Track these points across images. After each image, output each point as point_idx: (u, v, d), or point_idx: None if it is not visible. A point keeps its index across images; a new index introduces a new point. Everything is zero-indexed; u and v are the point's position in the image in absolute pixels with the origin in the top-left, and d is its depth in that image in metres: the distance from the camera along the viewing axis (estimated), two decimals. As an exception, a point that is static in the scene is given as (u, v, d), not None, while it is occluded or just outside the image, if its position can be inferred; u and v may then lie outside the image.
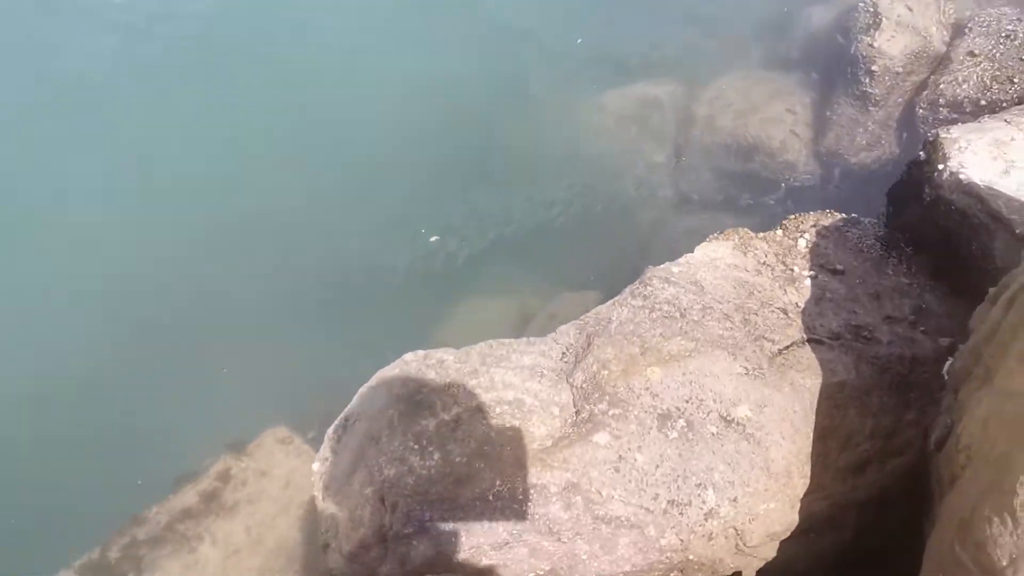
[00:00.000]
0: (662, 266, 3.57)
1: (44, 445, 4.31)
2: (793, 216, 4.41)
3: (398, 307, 5.26)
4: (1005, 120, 4.20)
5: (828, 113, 5.35)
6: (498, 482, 2.63)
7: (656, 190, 5.91)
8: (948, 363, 3.48)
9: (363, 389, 3.19)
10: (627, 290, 3.44)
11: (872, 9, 5.32)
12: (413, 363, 3.05)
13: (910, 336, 3.53)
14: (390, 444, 2.78)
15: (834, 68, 5.48)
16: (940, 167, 4.01)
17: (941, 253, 4.16)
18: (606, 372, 2.88)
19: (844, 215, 4.34)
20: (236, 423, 4.56)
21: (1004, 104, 4.71)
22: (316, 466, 3.19)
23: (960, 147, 4.03)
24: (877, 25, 5.20)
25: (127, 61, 6.05)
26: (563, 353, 3.14)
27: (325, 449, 3.18)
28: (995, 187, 3.84)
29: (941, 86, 4.98)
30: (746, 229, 4.10)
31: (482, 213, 5.63)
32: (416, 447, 2.69)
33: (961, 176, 3.88)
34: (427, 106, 6.02)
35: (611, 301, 3.41)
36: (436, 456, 2.69)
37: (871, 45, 5.10)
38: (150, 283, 5.07)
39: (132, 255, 5.18)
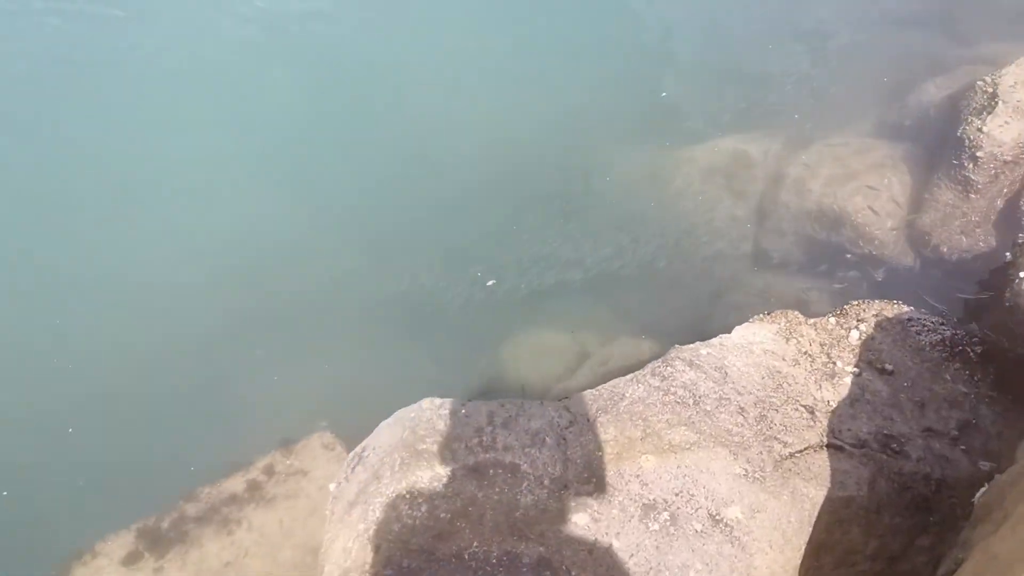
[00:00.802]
0: (691, 345, 3.59)
1: (122, 412, 4.83)
2: (856, 303, 4.29)
3: (459, 333, 5.49)
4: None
5: (926, 194, 5.11)
6: (475, 543, 2.78)
7: (735, 247, 5.84)
8: (981, 491, 3.34)
9: (382, 424, 3.42)
10: (649, 366, 3.49)
11: (991, 90, 5.03)
12: (428, 410, 3.24)
13: (946, 454, 3.40)
14: (388, 487, 2.99)
15: (941, 146, 5.22)
16: (1022, 274, 3.81)
17: (1012, 363, 3.97)
18: (600, 453, 2.96)
19: (912, 308, 4.19)
20: (291, 423, 4.92)
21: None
22: (332, 487, 3.45)
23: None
24: (992, 108, 4.92)
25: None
26: (571, 422, 3.24)
27: (341, 473, 3.43)
28: (1074, 308, 3.61)
29: (1052, 183, 4.66)
30: (796, 313, 4.03)
31: (555, 253, 5.76)
32: (407, 496, 2.88)
33: (1039, 292, 3.67)
34: (514, 150, 6.21)
35: (631, 376, 3.47)
36: (424, 508, 2.87)
37: (980, 129, 4.84)
38: (240, 282, 5.53)
39: (227, 251, 5.65)
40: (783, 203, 5.67)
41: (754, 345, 3.55)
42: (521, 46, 6.97)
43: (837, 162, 5.71)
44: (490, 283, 5.16)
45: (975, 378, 3.91)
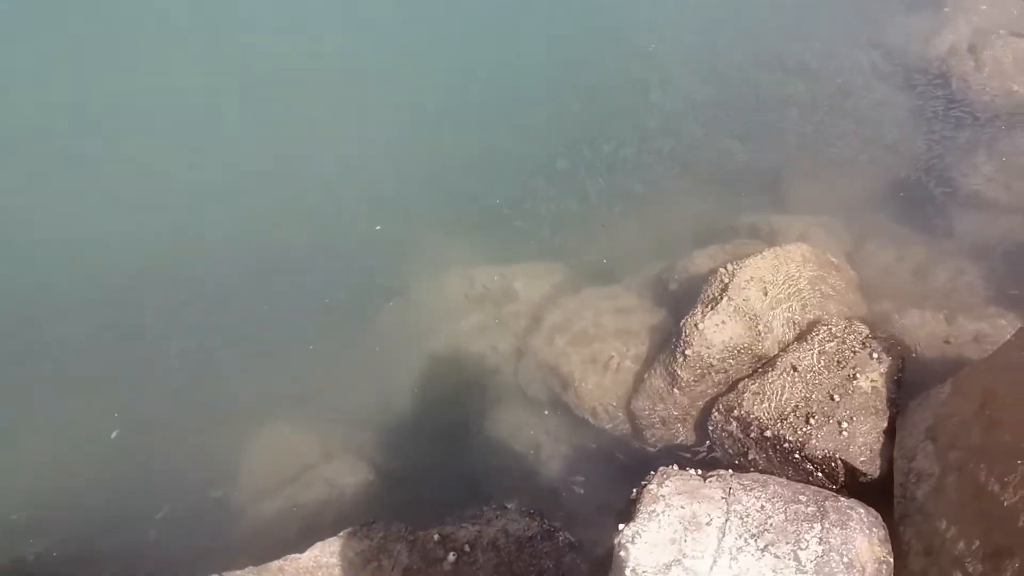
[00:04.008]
0: (243, 571, 3.51)
1: None
2: (493, 507, 4.24)
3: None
4: (727, 490, 3.88)
5: (645, 375, 5.07)
6: None
7: (492, 379, 5.81)
8: None
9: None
10: None
11: (726, 281, 4.96)
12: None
13: None
14: None
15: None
16: (621, 527, 3.77)
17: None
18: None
19: (545, 523, 4.14)
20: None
21: (775, 454, 4.32)
22: None
23: (654, 511, 3.78)
24: (716, 303, 4.86)
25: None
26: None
27: None
28: (642, 589, 3.56)
29: (745, 395, 4.62)
30: (401, 525, 3.95)
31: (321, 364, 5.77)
32: None
33: (622, 553, 3.64)
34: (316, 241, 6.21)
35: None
36: None
37: (696, 325, 4.78)
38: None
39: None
40: (533, 349, 5.64)
41: (321, 570, 3.51)
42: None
43: (594, 317, 5.67)
44: (113, 434, 5.10)
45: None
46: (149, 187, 6.35)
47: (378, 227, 5.90)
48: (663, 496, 3.79)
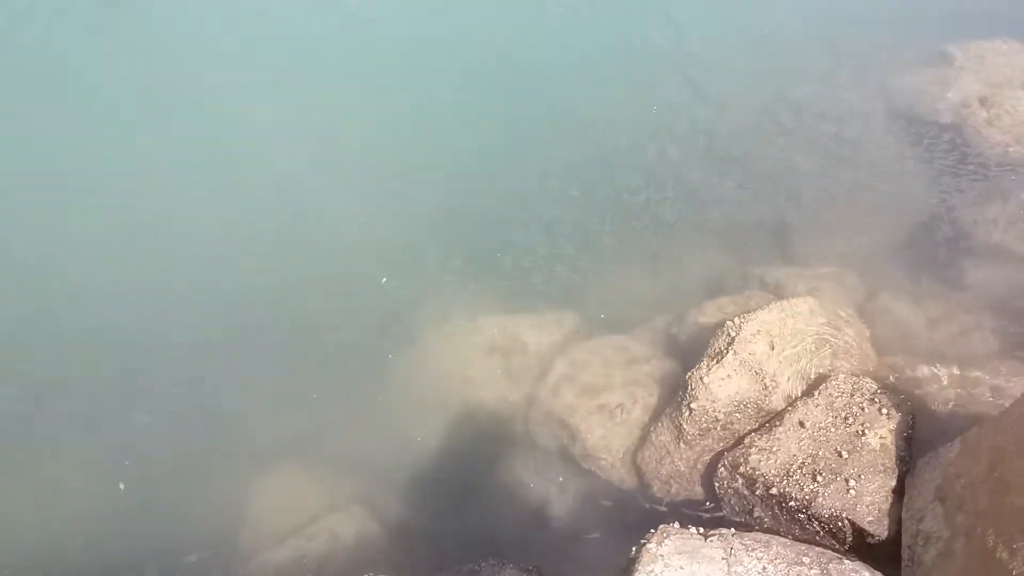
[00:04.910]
0: None
1: None
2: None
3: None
4: (728, 550, 3.84)
5: (651, 427, 5.02)
6: None
7: (500, 430, 5.79)
8: None
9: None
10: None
11: (733, 334, 4.94)
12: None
13: None
14: None
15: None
16: (623, 584, 3.71)
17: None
18: None
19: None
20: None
21: (781, 512, 4.24)
22: None
23: (652, 571, 3.74)
24: (722, 356, 4.82)
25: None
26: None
27: None
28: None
29: (752, 451, 4.55)
30: None
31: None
32: None
33: (622, 608, 3.57)
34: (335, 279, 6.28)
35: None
36: None
37: (701, 379, 4.74)
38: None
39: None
40: (540, 400, 5.62)
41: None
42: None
43: (602, 367, 5.64)
44: (122, 485, 5.14)
45: None
46: (156, 235, 6.49)
47: (384, 279, 5.95)
48: (662, 556, 3.73)
